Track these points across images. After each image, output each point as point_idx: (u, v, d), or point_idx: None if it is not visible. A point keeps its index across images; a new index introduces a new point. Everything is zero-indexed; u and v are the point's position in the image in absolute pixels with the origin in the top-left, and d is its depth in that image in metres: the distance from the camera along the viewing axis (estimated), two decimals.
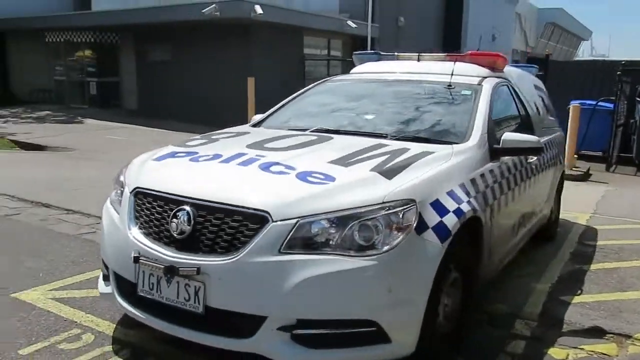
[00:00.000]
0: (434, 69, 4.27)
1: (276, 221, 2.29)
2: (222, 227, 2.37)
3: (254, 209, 2.34)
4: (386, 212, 2.35)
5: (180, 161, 2.90)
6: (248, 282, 2.28)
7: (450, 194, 2.68)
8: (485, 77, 4.10)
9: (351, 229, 2.31)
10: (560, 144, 5.49)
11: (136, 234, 2.59)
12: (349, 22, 18.43)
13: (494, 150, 3.38)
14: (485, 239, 3.05)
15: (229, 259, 2.31)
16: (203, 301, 2.34)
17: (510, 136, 3.43)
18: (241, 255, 2.29)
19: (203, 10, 14.28)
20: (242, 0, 14.32)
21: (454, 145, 3.18)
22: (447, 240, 2.46)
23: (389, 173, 2.60)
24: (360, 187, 2.47)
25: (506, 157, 3.54)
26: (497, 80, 4.15)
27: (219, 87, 16.19)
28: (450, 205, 2.60)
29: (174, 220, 2.46)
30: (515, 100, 4.42)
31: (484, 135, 3.38)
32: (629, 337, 3.32)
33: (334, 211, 2.32)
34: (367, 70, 4.69)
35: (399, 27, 23.17)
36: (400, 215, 2.37)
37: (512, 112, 4.32)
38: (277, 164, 2.67)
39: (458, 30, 27.79)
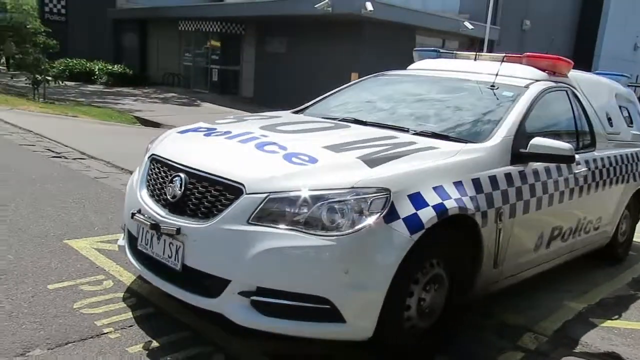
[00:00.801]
0: (486, 69, 4.14)
1: (249, 194, 2.46)
2: (206, 195, 2.59)
3: (232, 181, 2.53)
4: (353, 197, 2.42)
5: (196, 135, 3.17)
6: (218, 246, 2.48)
7: (438, 189, 2.66)
8: (537, 81, 3.92)
9: (318, 209, 2.41)
10: None
11: (143, 194, 2.90)
12: (466, 23, 17.92)
13: (519, 154, 3.26)
14: (486, 243, 2.97)
15: (205, 223, 2.52)
16: (181, 260, 2.58)
17: (538, 141, 3.28)
18: (215, 221, 2.49)
19: (316, 5, 14.71)
20: None
21: (466, 144, 3.12)
22: (417, 233, 2.46)
23: (373, 161, 2.65)
24: (337, 171, 2.56)
25: (537, 164, 3.40)
26: (550, 84, 3.96)
27: (326, 80, 16.57)
28: (432, 199, 2.59)
29: (171, 185, 2.72)
30: (573, 107, 4.16)
31: (509, 138, 3.27)
32: None
33: (299, 190, 2.44)
34: (422, 67, 4.67)
35: (523, 31, 22.09)
36: (369, 202, 2.42)
37: (565, 118, 4.09)
38: (274, 144, 2.84)
39: (593, 37, 25.81)
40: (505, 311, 3.60)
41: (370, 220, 2.40)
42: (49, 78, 14.81)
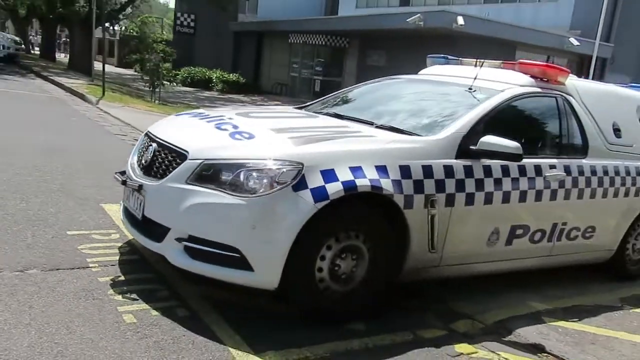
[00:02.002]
0: (479, 75, 4.38)
1: (190, 159, 3.04)
2: (164, 160, 3.22)
3: (181, 149, 3.13)
4: (268, 167, 2.91)
5: (183, 117, 3.84)
6: (163, 200, 3.09)
7: (355, 169, 3.05)
8: (517, 86, 4.10)
9: (239, 175, 2.93)
10: None
11: (133, 160, 3.60)
12: (571, 39, 17.18)
13: (468, 150, 3.51)
14: (413, 225, 3.27)
15: (158, 182, 3.14)
16: (142, 211, 3.22)
17: (487, 139, 3.52)
18: (164, 180, 3.10)
19: (407, 20, 15.07)
20: (444, 11, 14.68)
21: (408, 136, 3.47)
22: (322, 202, 2.88)
23: (300, 141, 3.12)
24: (265, 147, 3.07)
25: (493, 161, 3.61)
26: (531, 90, 4.11)
27: None
28: (344, 176, 2.98)
29: (146, 152, 3.40)
30: (561, 114, 4.25)
31: (457, 134, 3.54)
32: None
33: (229, 159, 2.98)
34: (428, 72, 4.98)
35: None
36: (280, 172, 2.89)
37: (548, 123, 4.20)
38: (231, 124, 3.41)
39: None
40: (459, 301, 3.82)
41: (280, 187, 2.87)
42: (165, 82, 16.66)
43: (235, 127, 3.36)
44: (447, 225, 3.45)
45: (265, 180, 2.89)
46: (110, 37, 37.78)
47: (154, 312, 2.95)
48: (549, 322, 3.66)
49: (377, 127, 3.72)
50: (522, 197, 3.79)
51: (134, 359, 2.49)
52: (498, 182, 3.65)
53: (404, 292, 3.82)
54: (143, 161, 3.40)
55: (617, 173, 4.44)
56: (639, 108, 4.98)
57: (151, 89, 16.39)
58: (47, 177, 5.36)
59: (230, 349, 2.70)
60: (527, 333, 3.44)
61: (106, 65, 16.14)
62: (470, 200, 3.52)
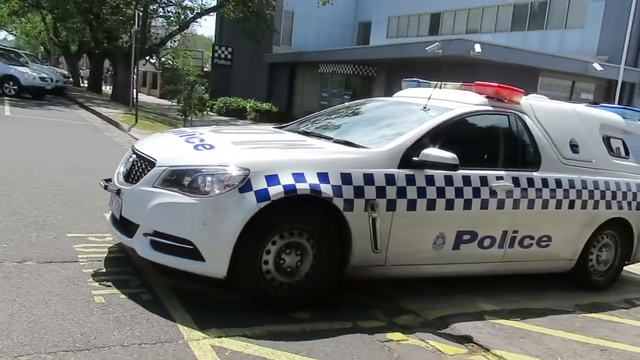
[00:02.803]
0: (440, 96, 4.81)
1: (157, 167, 3.58)
2: (139, 169, 3.77)
3: (152, 158, 3.68)
4: (219, 172, 3.41)
5: (166, 134, 4.41)
6: (135, 201, 3.62)
7: (297, 175, 3.51)
8: (469, 104, 4.50)
9: (196, 178, 3.44)
10: (625, 191, 5.09)
11: (119, 170, 4.17)
12: (595, 65, 17.22)
13: (410, 161, 3.93)
14: (354, 226, 3.68)
15: (131, 186, 3.69)
16: (120, 212, 3.77)
17: (428, 151, 3.93)
18: (136, 185, 3.64)
19: (426, 48, 15.53)
20: (462, 39, 15.08)
21: (355, 148, 3.93)
22: (263, 202, 3.35)
23: (252, 151, 3.64)
24: (220, 156, 3.59)
25: (437, 171, 4.00)
26: (482, 108, 4.50)
27: None
28: (286, 180, 3.44)
29: (128, 162, 3.96)
30: (513, 129, 4.60)
31: (402, 146, 3.96)
32: (487, 350, 3.47)
33: (187, 166, 3.50)
34: (399, 94, 5.44)
35: None
36: (228, 176, 3.39)
37: (498, 137, 4.57)
38: (198, 139, 3.94)
39: None
40: (412, 301, 4.16)
41: (228, 189, 3.36)
42: (197, 112, 17.62)
43: (201, 140, 3.89)
44: (389, 228, 3.85)
45: (216, 183, 3.39)
46: (156, 70, 39.88)
47: (122, 296, 3.46)
48: (489, 320, 3.97)
49: (335, 141, 4.18)
50: (467, 205, 4.15)
51: (94, 328, 2.98)
52: (441, 191, 4.03)
53: (360, 290, 4.21)
54: (125, 170, 3.96)
55: (572, 186, 4.73)
56: (602, 126, 5.27)
57: (184, 117, 17.35)
58: (63, 191, 6.02)
59: (178, 325, 3.17)
60: (463, 327, 3.75)
61: (149, 97, 17.22)
62: (411, 206, 3.90)
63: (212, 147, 3.75)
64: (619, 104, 18.27)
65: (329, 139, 4.29)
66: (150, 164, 3.68)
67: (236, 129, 4.59)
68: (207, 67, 34.31)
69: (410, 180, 3.92)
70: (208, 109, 20.71)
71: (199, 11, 25.76)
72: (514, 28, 23.19)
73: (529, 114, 4.73)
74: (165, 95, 31.80)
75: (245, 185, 3.38)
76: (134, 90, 18.17)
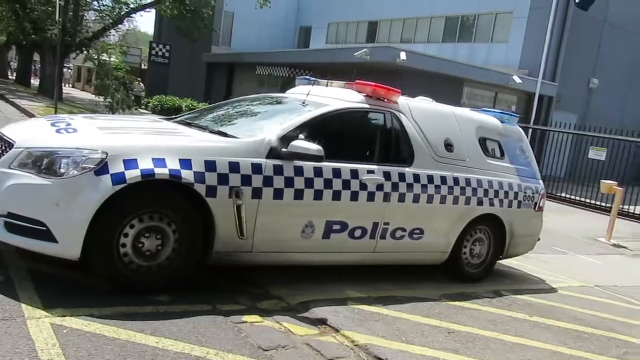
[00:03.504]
0: (322, 92, 5.02)
1: (15, 148, 3.56)
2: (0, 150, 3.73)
3: (11, 140, 3.65)
4: (75, 155, 3.44)
5: (38, 119, 4.47)
6: None
7: (158, 160, 3.57)
8: (346, 101, 4.70)
9: (52, 160, 3.45)
10: (497, 189, 5.42)
11: None
12: (514, 77, 18.10)
13: (279, 152, 4.06)
14: (217, 212, 3.78)
15: None
16: None
17: (296, 142, 4.08)
18: None
19: (355, 54, 15.88)
20: (388, 47, 15.52)
21: (223, 137, 4.04)
22: (119, 185, 3.40)
23: (115, 136, 3.69)
24: (79, 139, 3.61)
25: (306, 162, 4.15)
26: (357, 105, 4.73)
27: None
28: (145, 165, 3.50)
29: None
30: (388, 127, 4.84)
31: (270, 137, 4.09)
32: (337, 331, 3.64)
33: (45, 147, 3.51)
34: (290, 90, 5.59)
35: (590, 89, 21.55)
36: (84, 159, 3.42)
37: (371, 133, 4.80)
38: (65, 123, 3.96)
39: None
40: (281, 287, 4.28)
41: (83, 171, 3.39)
42: (123, 107, 17.28)
43: (68, 124, 3.90)
44: (255, 215, 3.97)
45: (72, 165, 3.41)
46: (93, 66, 38.76)
47: None
48: (351, 305, 4.14)
49: (210, 131, 4.28)
50: (336, 196, 4.33)
51: None
52: (309, 181, 4.19)
53: (231, 277, 4.31)
54: None
55: (444, 182, 5.01)
56: (478, 128, 5.60)
57: (110, 113, 16.96)
58: None
59: (22, 304, 3.17)
60: (321, 311, 3.91)
61: (82, 92, 16.72)
62: (278, 194, 4.04)
63: (75, 130, 3.76)
64: (536, 115, 19.30)
65: (204, 129, 4.38)
66: (9, 145, 3.65)
67: (114, 117, 4.62)
68: (146, 65, 33.65)
69: (278, 170, 4.05)
70: (143, 106, 20.36)
71: (134, 6, 25.27)
72: (445, 39, 23.99)
73: (406, 113, 4.99)
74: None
75: (101, 168, 3.42)
76: (59, 83, 17.62)
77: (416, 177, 4.82)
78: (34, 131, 3.85)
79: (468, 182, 5.22)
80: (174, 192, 3.68)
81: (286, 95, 5.42)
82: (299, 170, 4.15)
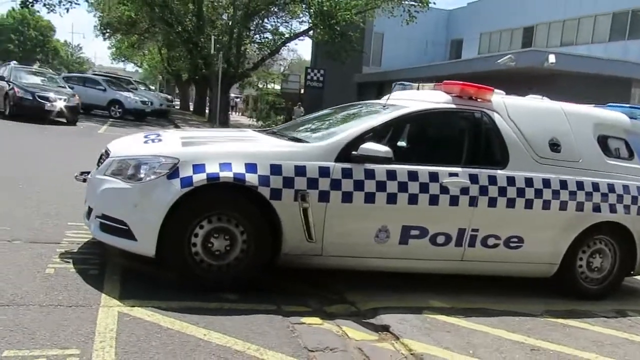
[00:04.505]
0: (411, 96, 4.90)
1: (110, 157, 4.04)
2: (101, 161, 4.25)
3: (109, 151, 4.15)
4: (151, 162, 3.79)
5: (136, 135, 4.88)
6: (93, 188, 4.09)
7: (224, 164, 3.78)
8: (428, 102, 4.54)
9: (135, 167, 3.84)
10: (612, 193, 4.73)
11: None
12: None
13: (349, 155, 4.04)
14: (283, 215, 3.86)
15: (93, 175, 4.17)
16: (86, 199, 4.27)
17: (366, 145, 4.04)
18: (96, 173, 4.12)
19: (498, 61, 15.08)
20: (534, 50, 14.46)
21: (294, 142, 4.15)
22: (187, 188, 3.66)
23: (189, 144, 4.00)
24: (158, 148, 4.00)
25: (379, 166, 4.08)
26: (442, 106, 4.53)
27: None
28: (212, 169, 3.73)
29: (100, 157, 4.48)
30: (477, 128, 4.54)
31: (341, 141, 4.10)
32: (397, 338, 3.47)
33: (130, 156, 3.93)
34: (390, 96, 5.43)
35: None
36: (159, 165, 3.75)
37: (458, 135, 4.53)
38: (156, 135, 4.40)
39: None
40: (354, 293, 4.19)
41: (158, 176, 3.72)
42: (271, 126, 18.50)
43: (157, 136, 4.32)
44: (323, 219, 3.97)
45: (148, 171, 3.77)
46: (255, 93, 42.19)
47: (72, 270, 3.92)
48: (427, 315, 3.90)
49: (289, 139, 4.42)
50: (413, 200, 4.15)
51: (26, 290, 3.44)
52: (382, 185, 4.08)
53: (309, 282, 4.35)
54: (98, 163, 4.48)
55: (547, 185, 4.51)
56: (596, 126, 4.96)
57: None
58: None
59: (103, 294, 3.55)
60: (389, 318, 3.75)
61: (243, 118, 18.33)
62: (347, 198, 4.00)
63: (160, 141, 4.15)
64: None
65: (283, 136, 4.52)
66: (108, 156, 4.16)
67: (207, 130, 4.97)
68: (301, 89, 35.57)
69: (347, 173, 4.02)
70: None
71: (289, 36, 26.98)
72: (612, 38, 21.67)
73: (501, 112, 4.61)
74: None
75: (173, 172, 3.72)
76: (224, 109, 19.43)
77: (510, 180, 4.41)
78: (128, 143, 4.34)
79: (580, 185, 4.63)
80: (240, 195, 3.84)
81: (375, 102, 5.33)
82: (369, 174, 4.06)
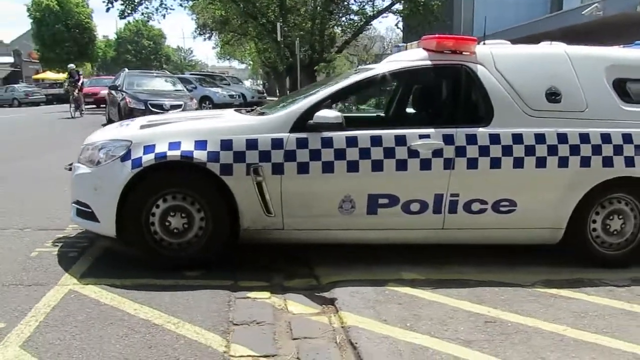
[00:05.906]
0: (396, 57, 4.62)
1: (82, 145, 4.27)
2: None
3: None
4: (108, 145, 3.95)
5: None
6: (71, 176, 4.34)
7: (173, 143, 3.82)
8: (397, 62, 4.27)
9: (94, 151, 4.04)
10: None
11: None
12: None
13: (304, 124, 3.91)
14: (237, 190, 3.82)
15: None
16: None
17: (320, 112, 3.88)
18: (74, 162, 4.38)
19: (583, 12, 13.65)
20: None
21: (249, 116, 4.14)
22: (137, 169, 3.76)
23: (145, 127, 4.09)
24: (116, 132, 4.18)
25: (337, 133, 3.90)
26: (410, 64, 4.24)
27: None
28: (160, 149, 3.79)
29: None
30: (455, 83, 4.19)
31: (296, 111, 3.98)
32: (337, 311, 3.31)
33: (93, 142, 4.13)
34: (390, 58, 5.10)
35: None
36: (114, 148, 3.89)
37: (431, 93, 4.23)
38: (130, 121, 4.53)
39: None
40: (325, 267, 4.04)
41: (112, 159, 3.87)
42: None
43: (132, 121, 4.49)
44: (279, 191, 3.88)
45: (104, 155, 3.93)
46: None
47: (54, 253, 4.20)
48: (388, 287, 3.67)
49: (258, 113, 4.37)
50: (377, 166, 3.90)
51: (5, 271, 3.75)
52: (341, 153, 3.88)
53: (287, 256, 4.27)
54: None
55: (540, 141, 4.02)
56: (610, 68, 4.32)
57: None
58: None
59: (66, 274, 3.76)
60: (342, 292, 3.57)
61: None
62: (303, 169, 3.86)
63: (127, 126, 4.30)
64: None
65: (251, 111, 4.50)
66: None
67: (187, 113, 5.06)
68: None
69: (302, 143, 3.88)
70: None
71: (372, 14, 26.53)
72: None
73: (487, 64, 4.17)
74: None
75: (125, 155, 3.84)
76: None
77: (494, 138, 3.99)
78: (104, 130, 4.54)
79: (585, 138, 4.07)
80: (193, 173, 3.86)
81: (372, 65, 5.05)
82: (327, 142, 3.89)
